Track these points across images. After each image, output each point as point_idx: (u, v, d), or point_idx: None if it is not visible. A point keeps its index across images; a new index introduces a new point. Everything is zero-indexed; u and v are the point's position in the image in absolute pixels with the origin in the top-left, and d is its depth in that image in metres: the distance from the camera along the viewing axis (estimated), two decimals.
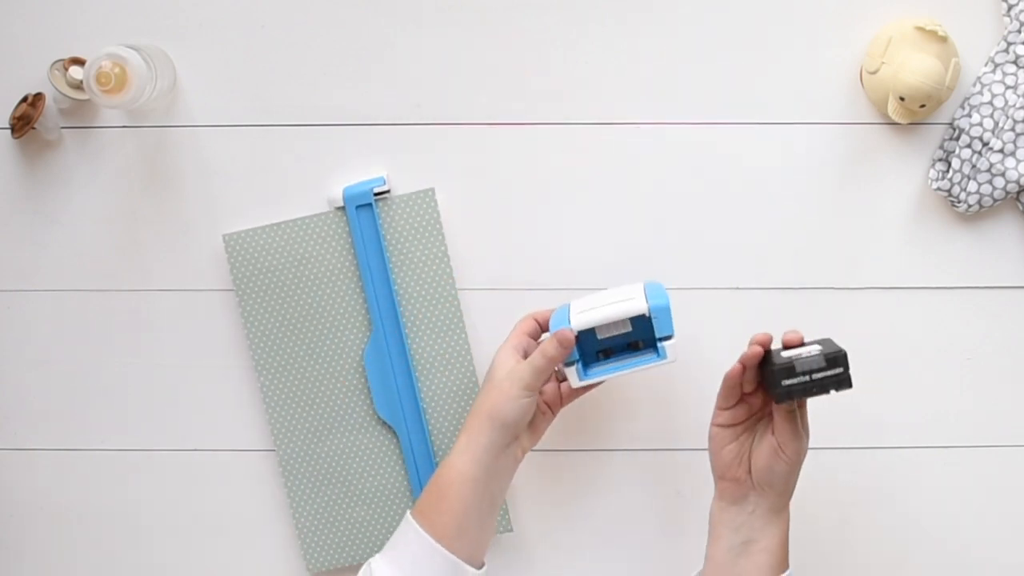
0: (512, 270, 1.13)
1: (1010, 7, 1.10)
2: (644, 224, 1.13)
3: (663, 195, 1.13)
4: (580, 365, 1.03)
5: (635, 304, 1.01)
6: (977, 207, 1.10)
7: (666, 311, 1.01)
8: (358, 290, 1.12)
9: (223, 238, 1.12)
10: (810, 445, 1.13)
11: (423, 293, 1.12)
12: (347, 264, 1.12)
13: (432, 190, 1.11)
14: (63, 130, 1.13)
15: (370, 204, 1.11)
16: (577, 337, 1.01)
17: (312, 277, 1.12)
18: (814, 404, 1.14)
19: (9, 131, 1.12)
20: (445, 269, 1.12)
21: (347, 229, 1.12)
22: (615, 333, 1.03)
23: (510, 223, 1.13)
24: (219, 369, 1.14)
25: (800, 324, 1.13)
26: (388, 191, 1.11)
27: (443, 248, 1.12)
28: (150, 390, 1.15)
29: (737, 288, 1.13)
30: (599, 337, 1.03)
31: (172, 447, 1.15)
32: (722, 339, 1.13)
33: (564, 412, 1.13)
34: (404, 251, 1.12)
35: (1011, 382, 1.13)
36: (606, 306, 1.02)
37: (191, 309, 1.14)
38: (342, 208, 1.11)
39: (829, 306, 1.13)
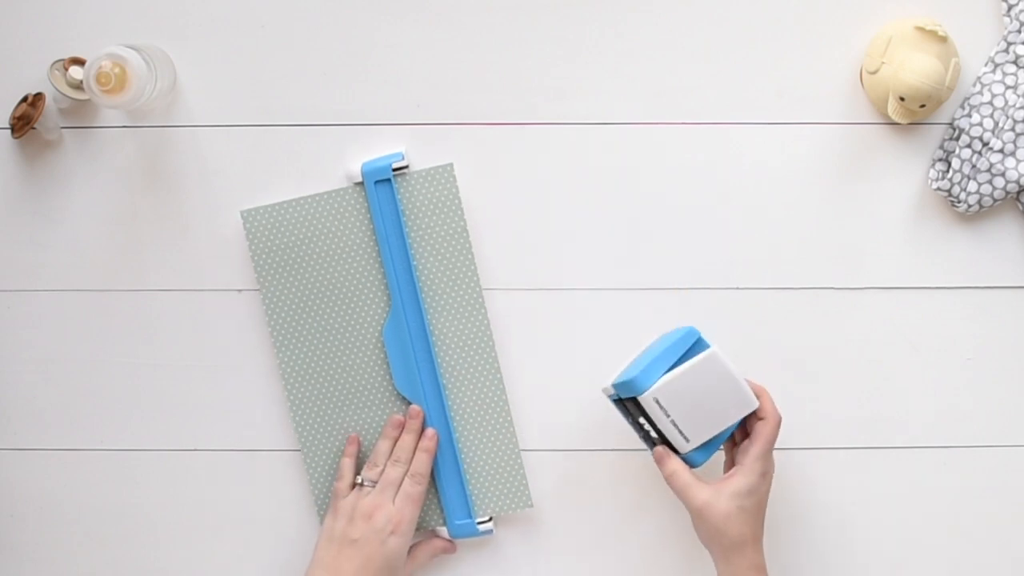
0: (510, 269, 1.13)
1: (1010, 7, 1.10)
2: (643, 224, 1.13)
3: (662, 195, 1.13)
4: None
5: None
6: (977, 207, 1.10)
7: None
8: (377, 266, 1.12)
9: (240, 214, 1.11)
10: (810, 445, 1.14)
11: (442, 268, 1.12)
12: (366, 240, 1.12)
13: (451, 165, 1.11)
14: (63, 130, 1.13)
15: (389, 179, 1.11)
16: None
17: (330, 253, 1.12)
18: (819, 404, 1.14)
19: (9, 131, 1.12)
20: (464, 244, 1.12)
21: (366, 204, 1.12)
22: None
23: (509, 222, 1.13)
24: (219, 369, 1.14)
25: (800, 324, 1.13)
26: (407, 166, 1.11)
27: (462, 223, 1.12)
28: (150, 390, 1.15)
29: (737, 288, 1.13)
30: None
31: (172, 447, 1.15)
32: (722, 339, 1.13)
33: (567, 412, 1.13)
34: (423, 226, 1.12)
35: (1011, 382, 1.13)
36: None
37: (191, 309, 1.14)
38: (360, 184, 1.11)
39: (829, 306, 1.13)
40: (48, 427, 1.15)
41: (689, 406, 1.04)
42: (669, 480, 1.05)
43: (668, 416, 1.04)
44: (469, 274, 1.12)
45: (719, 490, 1.03)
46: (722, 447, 1.10)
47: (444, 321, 1.12)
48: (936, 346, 1.13)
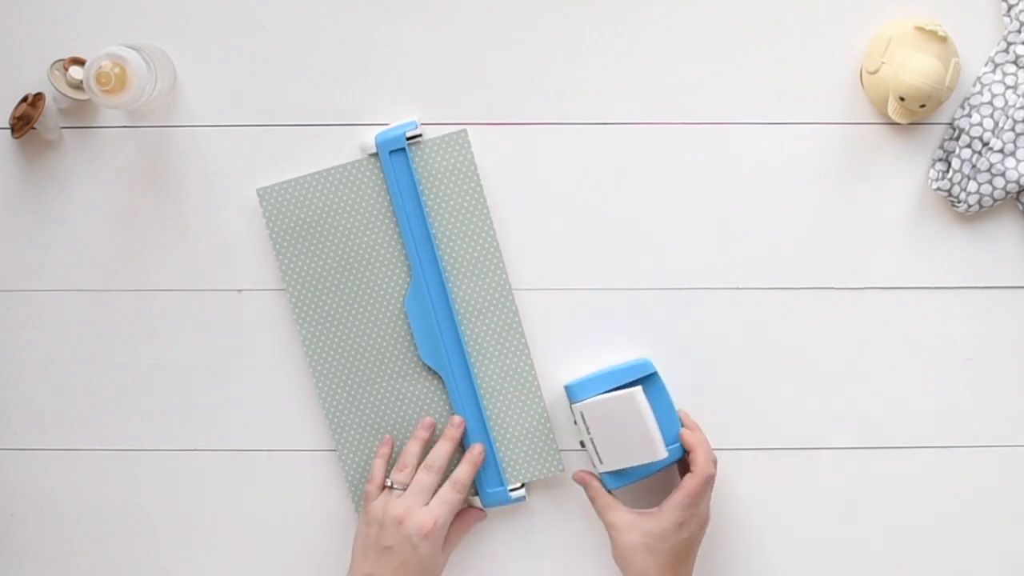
0: (509, 269, 1.13)
1: (1010, 7, 1.10)
2: (643, 224, 1.13)
3: (662, 195, 1.13)
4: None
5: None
6: (977, 207, 1.10)
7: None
8: (396, 236, 1.12)
9: (256, 192, 1.11)
10: (811, 445, 1.14)
11: (461, 235, 1.12)
12: (383, 211, 1.12)
13: (465, 131, 1.11)
14: (63, 130, 1.13)
15: (403, 149, 1.11)
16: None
17: (348, 226, 1.12)
18: (819, 404, 1.14)
19: (9, 131, 1.12)
20: (482, 209, 1.12)
21: (381, 176, 1.12)
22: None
23: (508, 222, 1.13)
24: (219, 369, 1.14)
25: (800, 324, 1.13)
26: (420, 135, 1.11)
27: (479, 188, 1.12)
28: (150, 390, 1.15)
29: (737, 288, 1.13)
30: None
31: (173, 447, 1.15)
32: (722, 339, 1.13)
33: (561, 411, 1.13)
34: (440, 194, 1.12)
35: (1011, 382, 1.14)
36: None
37: (191, 309, 1.14)
38: (375, 155, 1.11)
39: (829, 306, 1.13)
40: (48, 427, 1.15)
41: (605, 432, 1.07)
42: (592, 501, 1.09)
43: (588, 433, 1.08)
44: (488, 238, 1.12)
45: (635, 521, 1.06)
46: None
47: (465, 287, 1.12)
48: (936, 346, 1.13)
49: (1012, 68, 1.09)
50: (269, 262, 1.14)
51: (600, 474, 1.09)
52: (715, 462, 1.07)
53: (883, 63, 1.08)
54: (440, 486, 1.09)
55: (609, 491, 1.09)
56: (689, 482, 1.05)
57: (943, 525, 1.14)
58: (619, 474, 1.09)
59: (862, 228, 1.13)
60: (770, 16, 1.11)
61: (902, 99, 1.07)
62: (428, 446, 1.12)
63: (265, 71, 1.12)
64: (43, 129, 1.11)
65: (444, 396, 1.13)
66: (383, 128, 1.11)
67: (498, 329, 1.13)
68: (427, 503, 1.07)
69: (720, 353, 1.13)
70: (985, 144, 1.09)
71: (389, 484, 1.09)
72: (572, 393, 1.09)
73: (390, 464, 1.12)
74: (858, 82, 1.12)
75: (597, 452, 1.08)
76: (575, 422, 1.10)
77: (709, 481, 1.05)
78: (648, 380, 1.08)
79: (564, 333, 1.13)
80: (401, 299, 1.13)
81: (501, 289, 1.13)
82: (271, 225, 1.12)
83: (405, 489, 1.08)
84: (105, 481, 1.16)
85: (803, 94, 1.12)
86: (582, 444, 1.10)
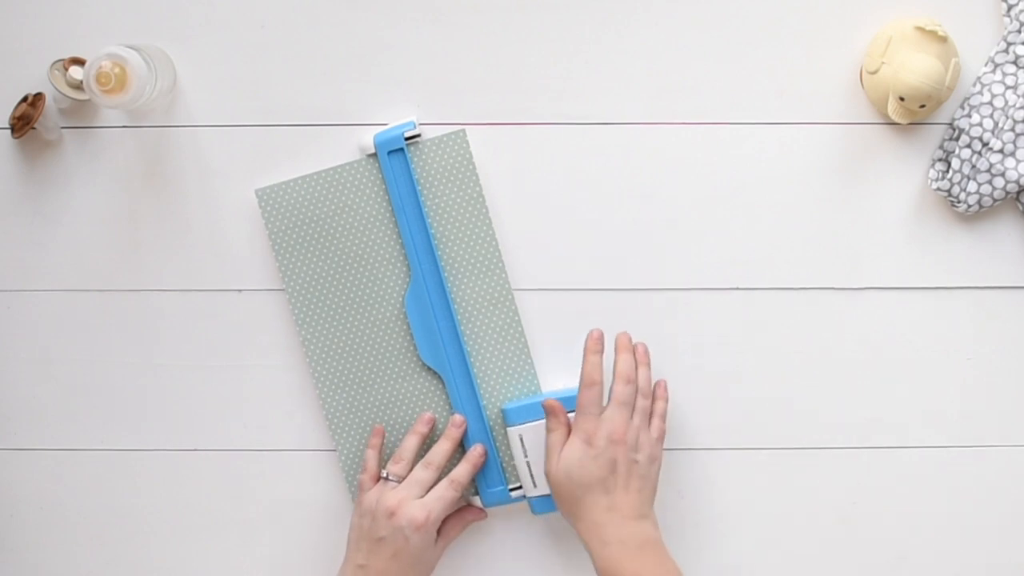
0: (509, 269, 1.13)
1: (1010, 7, 1.10)
2: (643, 224, 1.13)
3: (662, 195, 1.13)
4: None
5: None
6: (977, 207, 1.10)
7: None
8: (395, 236, 1.12)
9: (255, 192, 1.12)
10: (810, 445, 1.14)
11: (460, 234, 1.12)
12: (382, 211, 1.12)
13: (463, 131, 1.11)
14: (63, 130, 1.13)
15: (402, 149, 1.11)
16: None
17: (348, 226, 1.12)
18: (819, 404, 1.14)
19: (9, 131, 1.12)
20: (481, 209, 1.12)
21: (380, 176, 1.12)
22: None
23: (508, 222, 1.13)
24: (219, 369, 1.14)
25: (800, 324, 1.13)
26: (419, 135, 1.11)
27: (478, 188, 1.12)
28: (150, 390, 1.15)
29: (737, 288, 1.13)
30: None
31: (173, 447, 1.15)
32: (722, 339, 1.13)
33: None
34: (438, 194, 1.12)
35: (1011, 382, 1.13)
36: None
37: (191, 309, 1.14)
38: (374, 155, 1.12)
39: (829, 306, 1.13)
40: (48, 427, 1.15)
41: (540, 458, 1.09)
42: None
43: (525, 456, 1.09)
44: (488, 238, 1.12)
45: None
46: None
47: (465, 287, 1.12)
48: (936, 346, 1.13)
49: (1012, 68, 1.09)
50: (269, 262, 1.14)
51: (529, 498, 1.11)
52: (625, 380, 1.07)
53: (883, 63, 1.08)
54: (437, 483, 1.09)
55: (535, 513, 1.11)
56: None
57: (943, 525, 1.14)
58: (548, 499, 1.10)
59: (862, 228, 1.13)
60: (770, 16, 1.11)
61: (902, 99, 1.07)
62: (426, 441, 1.12)
63: (265, 71, 1.12)
64: (43, 129, 1.12)
65: (444, 396, 1.13)
66: (382, 128, 1.12)
67: (498, 329, 1.13)
68: (421, 497, 1.07)
69: (720, 353, 1.13)
70: (985, 144, 1.09)
71: (384, 476, 1.09)
72: (508, 416, 1.10)
73: (384, 455, 1.12)
74: (858, 82, 1.12)
75: (532, 475, 1.09)
76: (514, 444, 1.11)
77: (590, 385, 1.06)
78: None
79: (564, 333, 1.13)
80: (401, 299, 1.13)
81: (501, 289, 1.13)
82: (270, 226, 1.12)
83: (400, 481, 1.08)
84: (105, 481, 1.16)
85: (803, 94, 1.12)
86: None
